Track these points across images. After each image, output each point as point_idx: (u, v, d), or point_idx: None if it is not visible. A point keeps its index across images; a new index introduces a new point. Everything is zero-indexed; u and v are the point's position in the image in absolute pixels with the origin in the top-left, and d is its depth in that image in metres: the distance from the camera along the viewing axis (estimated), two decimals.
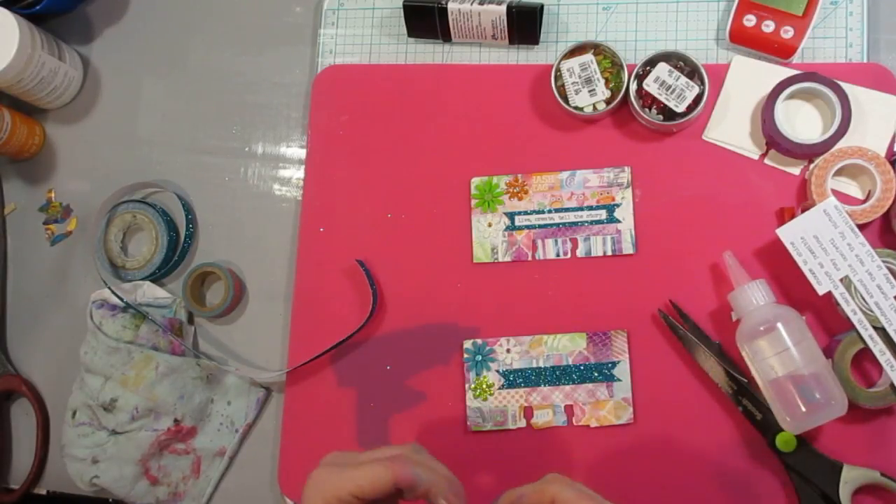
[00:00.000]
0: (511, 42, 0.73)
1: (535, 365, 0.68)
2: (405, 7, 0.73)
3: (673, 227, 0.68)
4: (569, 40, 0.73)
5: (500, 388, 0.68)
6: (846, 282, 0.61)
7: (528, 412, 0.68)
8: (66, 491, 0.77)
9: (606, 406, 0.66)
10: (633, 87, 0.68)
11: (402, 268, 0.72)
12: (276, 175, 0.78)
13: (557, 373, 0.68)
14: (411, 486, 0.49)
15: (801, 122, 0.67)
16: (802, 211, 0.63)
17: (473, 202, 0.72)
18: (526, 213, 0.70)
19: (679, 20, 0.72)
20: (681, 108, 0.66)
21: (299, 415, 0.71)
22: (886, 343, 0.60)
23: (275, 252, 0.76)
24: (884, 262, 0.61)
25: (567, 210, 0.70)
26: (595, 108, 0.69)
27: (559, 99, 0.69)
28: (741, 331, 0.62)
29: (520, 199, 0.71)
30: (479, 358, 0.69)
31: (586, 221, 0.69)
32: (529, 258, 0.70)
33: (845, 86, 0.65)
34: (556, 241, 0.70)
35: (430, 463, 0.51)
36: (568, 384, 0.67)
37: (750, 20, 0.68)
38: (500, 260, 0.70)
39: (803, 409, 0.59)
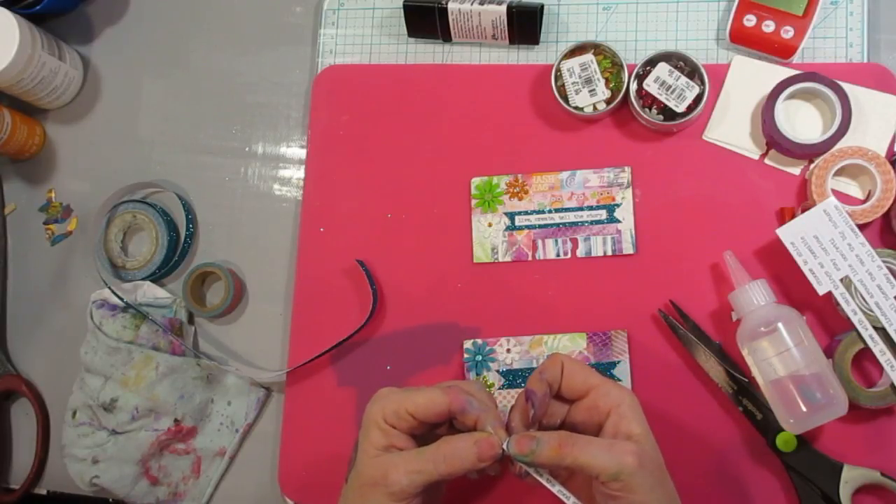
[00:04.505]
0: (511, 42, 0.73)
1: (535, 365, 0.68)
2: (405, 7, 0.73)
3: (673, 227, 0.68)
4: (569, 40, 0.73)
5: (500, 388, 0.68)
6: (846, 282, 0.61)
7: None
8: (66, 491, 0.77)
9: None
10: (634, 87, 0.68)
11: (402, 268, 0.72)
12: (276, 175, 0.78)
13: None
14: (463, 411, 0.53)
15: (801, 122, 0.67)
16: (802, 211, 0.63)
17: (473, 202, 0.72)
18: (526, 213, 0.70)
19: (679, 20, 0.72)
20: (681, 108, 0.66)
21: (299, 415, 0.71)
22: (887, 343, 0.60)
23: (275, 252, 0.76)
24: (884, 262, 0.61)
25: (567, 210, 0.70)
26: (595, 108, 0.69)
27: (559, 99, 0.69)
28: (742, 331, 0.62)
29: (520, 199, 0.71)
30: (480, 358, 0.69)
31: (586, 221, 0.69)
32: (529, 258, 0.70)
33: (845, 86, 0.65)
34: (556, 241, 0.70)
35: (484, 397, 0.56)
36: None
37: (750, 20, 0.68)
38: (501, 260, 0.70)
39: (804, 409, 0.59)
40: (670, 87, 0.67)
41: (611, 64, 0.69)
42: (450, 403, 0.53)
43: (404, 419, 0.53)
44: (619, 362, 0.67)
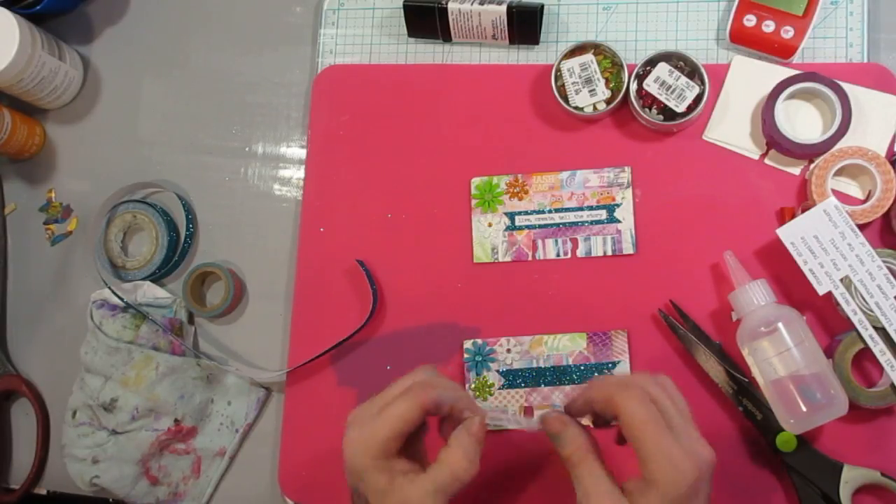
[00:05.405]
0: (511, 42, 0.73)
1: (535, 365, 0.68)
2: (405, 7, 0.73)
3: (673, 227, 0.68)
4: (569, 40, 0.73)
5: (500, 388, 0.68)
6: (846, 282, 0.61)
7: (528, 412, 0.68)
8: (66, 491, 0.77)
9: None
10: (634, 87, 0.68)
11: (402, 268, 0.72)
12: (276, 175, 0.78)
13: (557, 373, 0.68)
14: (437, 407, 0.51)
15: (801, 122, 0.67)
16: (803, 211, 0.63)
17: (473, 202, 0.71)
18: (526, 213, 0.70)
19: (679, 20, 0.72)
20: (681, 108, 0.66)
21: (299, 415, 0.71)
22: (887, 343, 0.60)
23: (275, 252, 0.76)
24: (884, 262, 0.61)
25: (567, 210, 0.70)
26: (595, 108, 0.69)
27: (559, 99, 0.69)
28: (742, 331, 0.62)
29: (520, 199, 0.71)
30: (480, 358, 0.69)
31: (586, 221, 0.69)
32: (529, 258, 0.70)
33: (845, 86, 0.65)
34: (556, 241, 0.70)
35: (444, 381, 0.53)
36: (568, 384, 0.67)
37: (750, 20, 0.68)
38: (501, 260, 0.70)
39: (804, 409, 0.59)
40: (670, 87, 0.67)
41: (611, 64, 0.69)
42: (423, 407, 0.51)
43: (391, 446, 0.51)
44: (619, 362, 0.67)
